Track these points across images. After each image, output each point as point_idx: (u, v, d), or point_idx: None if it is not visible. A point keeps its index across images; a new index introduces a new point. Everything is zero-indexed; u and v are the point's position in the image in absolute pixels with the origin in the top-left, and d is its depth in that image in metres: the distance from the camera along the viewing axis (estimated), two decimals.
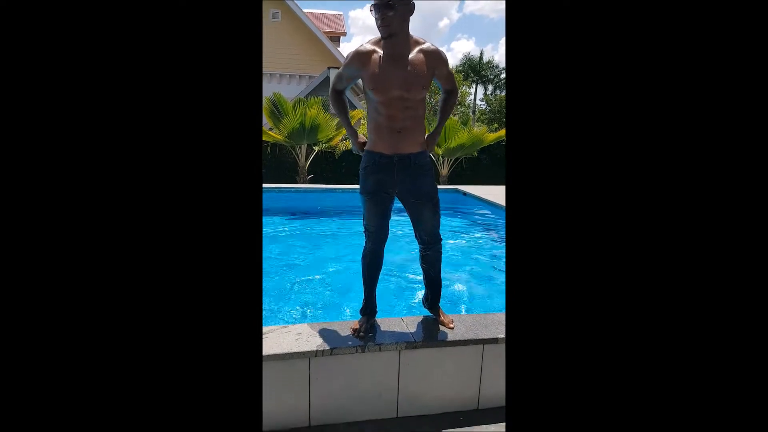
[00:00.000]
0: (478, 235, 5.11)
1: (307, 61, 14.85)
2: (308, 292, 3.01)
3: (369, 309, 1.90)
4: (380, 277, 1.92)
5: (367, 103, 1.76)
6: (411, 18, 1.65)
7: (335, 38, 18.54)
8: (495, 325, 1.92)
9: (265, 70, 13.56)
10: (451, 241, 4.51)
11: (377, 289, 1.94)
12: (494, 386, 1.85)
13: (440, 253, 1.93)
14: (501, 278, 3.34)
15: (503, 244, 4.30)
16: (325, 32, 16.08)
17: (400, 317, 2.01)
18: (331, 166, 9.43)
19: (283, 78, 14.90)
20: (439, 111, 1.95)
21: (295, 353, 1.64)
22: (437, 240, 1.89)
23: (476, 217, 5.93)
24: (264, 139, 8.13)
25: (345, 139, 8.98)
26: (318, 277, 3.31)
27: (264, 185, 6.28)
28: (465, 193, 6.98)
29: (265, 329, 1.78)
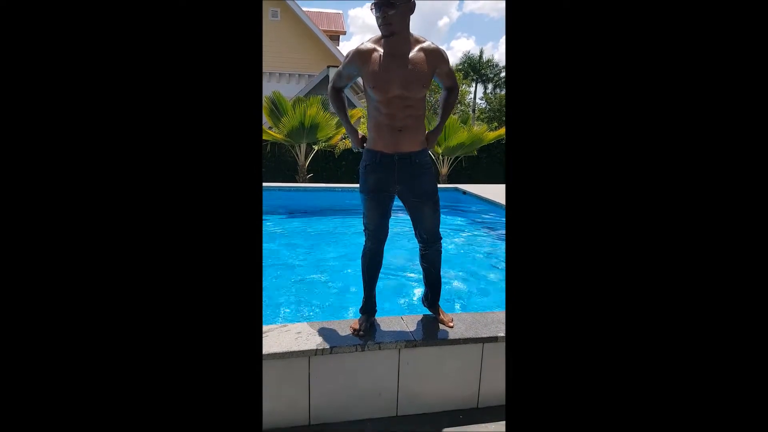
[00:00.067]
0: (478, 233, 5.11)
1: (307, 60, 14.84)
2: (308, 291, 3.02)
3: (369, 308, 1.90)
4: (380, 275, 1.92)
5: (368, 102, 1.76)
6: (411, 17, 1.65)
7: (335, 37, 18.52)
8: (495, 323, 1.92)
9: (264, 69, 13.54)
10: (451, 240, 4.51)
11: (377, 288, 1.94)
12: (494, 385, 1.85)
13: (440, 251, 1.93)
14: (501, 277, 3.35)
15: (503, 243, 4.30)
16: (324, 31, 16.06)
17: (400, 316, 2.02)
18: (331, 165, 9.43)
19: (283, 77, 14.88)
20: (440, 108, 1.95)
21: (294, 352, 1.64)
22: (437, 239, 1.89)
23: (476, 215, 5.93)
24: (264, 138, 8.12)
25: (344, 138, 8.98)
26: (317, 276, 3.32)
27: (264, 184, 6.28)
28: (465, 192, 6.98)
29: (264, 328, 1.78)
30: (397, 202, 1.86)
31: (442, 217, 1.89)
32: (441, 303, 2.00)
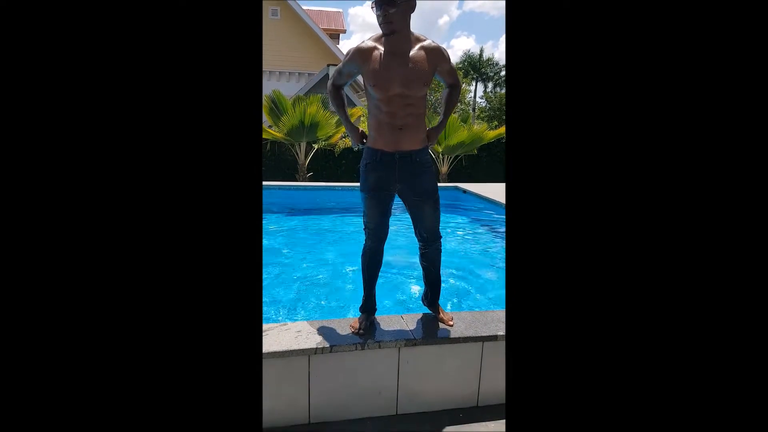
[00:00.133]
0: (478, 232, 5.11)
1: (307, 59, 14.83)
2: (308, 289, 3.02)
3: (369, 306, 1.90)
4: (380, 274, 1.92)
5: (368, 100, 1.76)
6: (411, 15, 1.64)
7: (335, 35, 18.50)
8: (494, 322, 1.92)
9: (264, 67, 13.53)
10: (451, 239, 4.52)
11: (377, 287, 1.94)
12: (494, 383, 1.85)
13: (440, 250, 1.93)
14: (501, 276, 3.35)
15: (503, 242, 4.30)
16: (324, 29, 16.04)
17: (400, 315, 2.02)
18: (331, 164, 9.43)
19: (283, 75, 14.88)
20: (443, 105, 1.95)
21: (294, 351, 1.64)
22: (437, 237, 1.89)
23: (476, 214, 5.93)
24: (263, 136, 8.12)
25: (344, 137, 8.98)
26: (317, 274, 3.32)
27: (264, 183, 6.28)
28: (465, 191, 6.98)
29: (264, 327, 1.78)
30: (398, 201, 1.86)
31: (442, 215, 1.89)
32: (441, 302, 2.00)
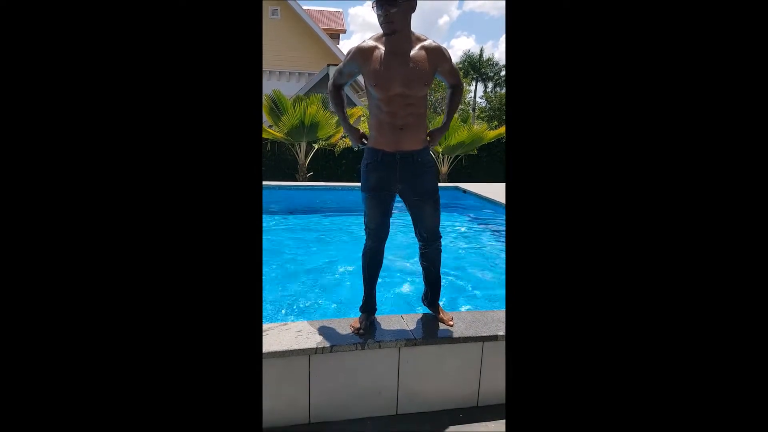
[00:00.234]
0: (478, 232, 5.11)
1: (307, 59, 14.83)
2: (308, 289, 3.02)
3: (369, 306, 1.90)
4: (380, 274, 1.92)
5: (369, 100, 1.75)
6: (412, 15, 1.64)
7: (335, 35, 18.50)
8: (495, 322, 1.92)
9: (264, 67, 13.53)
10: (451, 239, 4.52)
11: (377, 287, 1.94)
12: (494, 383, 1.85)
13: (440, 250, 1.93)
14: (501, 276, 3.35)
15: (503, 242, 4.30)
16: (324, 29, 16.04)
17: (400, 314, 2.02)
18: (331, 164, 9.43)
19: (283, 75, 14.88)
20: (446, 106, 1.95)
21: (295, 350, 1.64)
22: (437, 237, 1.89)
23: (476, 214, 5.93)
24: (264, 136, 8.12)
25: (345, 137, 8.98)
26: (318, 274, 3.32)
27: (264, 183, 6.28)
28: (465, 191, 6.99)
29: (264, 327, 1.78)
30: (398, 201, 1.86)
31: (442, 215, 1.89)
32: (441, 301, 2.00)
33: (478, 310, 2.07)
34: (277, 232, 4.66)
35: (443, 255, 1.96)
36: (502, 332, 1.83)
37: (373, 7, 1.61)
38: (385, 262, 1.92)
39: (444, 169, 9.10)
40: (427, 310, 2.01)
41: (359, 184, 1.83)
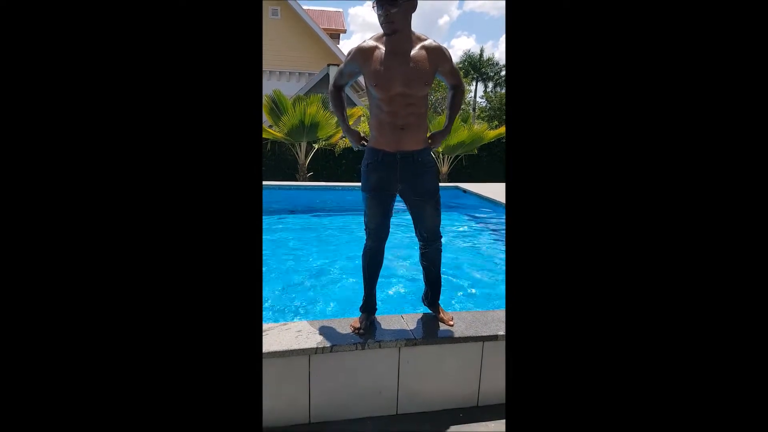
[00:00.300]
0: (478, 232, 5.11)
1: (307, 59, 14.82)
2: (308, 289, 3.02)
3: (369, 306, 1.90)
4: (380, 274, 1.92)
5: (369, 100, 1.75)
6: (412, 14, 1.64)
7: (335, 35, 18.50)
8: (495, 322, 1.92)
9: (264, 67, 13.53)
10: (451, 239, 4.52)
11: (377, 286, 1.94)
12: (494, 383, 1.85)
13: (440, 250, 1.93)
14: (501, 275, 3.35)
15: (503, 242, 4.30)
16: (324, 29, 16.03)
17: (400, 314, 2.02)
18: (331, 164, 9.43)
19: (283, 75, 14.88)
20: (447, 108, 1.94)
21: (295, 350, 1.64)
22: (437, 237, 1.89)
23: (476, 214, 5.93)
24: (264, 136, 8.12)
25: (345, 137, 8.97)
26: (318, 274, 3.32)
27: (264, 183, 6.28)
28: (465, 191, 6.99)
29: (265, 327, 1.78)
30: (398, 200, 1.86)
31: (442, 215, 1.89)
32: (441, 301, 2.00)
33: (478, 310, 2.07)
34: (277, 232, 4.66)
35: (443, 255, 1.96)
36: (502, 332, 1.83)
37: (373, 7, 1.61)
38: (385, 261, 1.92)
39: (444, 168, 9.10)
40: (428, 310, 2.01)
41: (359, 184, 1.82)
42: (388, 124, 1.69)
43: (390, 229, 1.86)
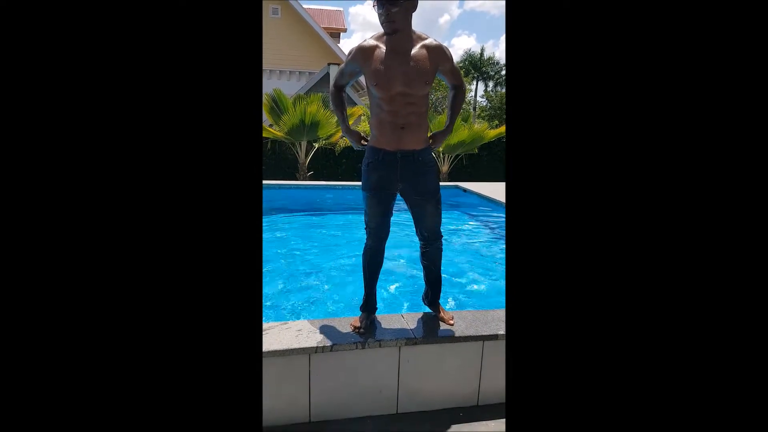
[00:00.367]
0: (478, 231, 5.11)
1: (307, 58, 14.82)
2: (308, 288, 3.02)
3: (369, 305, 1.90)
4: (380, 273, 1.92)
5: (370, 100, 1.75)
6: (413, 14, 1.64)
7: (335, 34, 18.49)
8: (495, 321, 1.92)
9: (264, 66, 13.53)
10: (452, 238, 4.52)
11: (377, 286, 1.94)
12: (494, 383, 1.85)
13: (441, 249, 1.93)
14: (501, 275, 3.35)
15: (503, 241, 4.30)
16: (325, 28, 16.03)
17: (400, 314, 2.02)
18: (331, 163, 9.42)
19: (283, 74, 14.87)
20: (448, 107, 1.94)
21: (295, 349, 1.65)
22: (438, 237, 1.89)
23: (476, 213, 5.93)
24: (264, 135, 8.12)
25: (345, 136, 8.97)
26: (318, 273, 3.32)
27: (264, 182, 6.29)
28: (465, 190, 6.99)
29: (265, 326, 1.78)
30: (399, 200, 1.86)
31: (443, 214, 1.89)
32: (441, 301, 2.00)
33: (479, 310, 2.07)
34: (277, 231, 4.66)
35: (444, 254, 1.96)
36: (502, 331, 1.83)
37: (374, 6, 1.61)
38: (385, 261, 1.92)
39: (445, 168, 9.10)
40: (428, 309, 2.01)
41: (360, 183, 1.82)
42: (388, 123, 1.69)
43: (390, 229, 1.86)
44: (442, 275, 1.99)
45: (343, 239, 4.42)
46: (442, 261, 1.96)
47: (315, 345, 1.67)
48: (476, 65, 28.86)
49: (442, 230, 1.90)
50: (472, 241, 4.62)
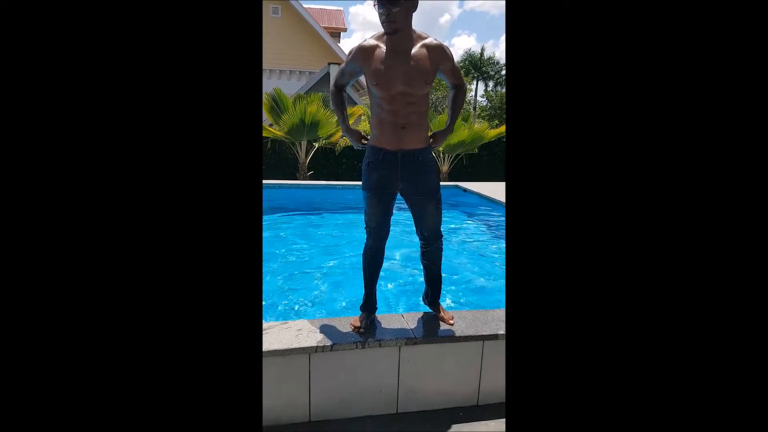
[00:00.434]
0: (478, 231, 5.11)
1: (307, 57, 14.81)
2: (308, 288, 3.02)
3: (369, 305, 1.90)
4: (380, 273, 1.92)
5: (370, 99, 1.75)
6: (413, 13, 1.64)
7: (335, 34, 18.48)
8: (495, 321, 1.92)
9: (265, 66, 13.53)
10: (452, 238, 4.51)
11: (377, 286, 1.94)
12: (494, 382, 1.85)
13: (441, 249, 1.93)
14: (501, 275, 3.35)
15: (503, 241, 4.30)
16: (325, 28, 16.03)
17: (400, 313, 2.02)
18: (331, 163, 9.42)
19: (283, 74, 14.87)
20: (448, 107, 1.94)
21: (295, 349, 1.65)
22: (438, 236, 1.89)
23: (476, 213, 5.93)
24: (264, 135, 8.12)
25: (345, 136, 8.96)
26: (318, 273, 3.32)
27: (264, 181, 6.28)
28: (465, 190, 6.99)
29: (265, 325, 1.78)
30: (399, 199, 1.86)
31: (443, 214, 1.89)
32: (441, 300, 2.00)
33: (479, 309, 2.07)
34: (277, 230, 4.66)
35: (444, 254, 1.96)
36: (502, 331, 1.83)
37: (374, 6, 1.61)
38: (385, 260, 1.92)
39: (445, 167, 9.10)
40: (428, 309, 2.01)
41: (360, 182, 1.82)
42: (389, 123, 1.69)
43: (390, 228, 1.86)
44: (442, 275, 1.99)
45: (343, 239, 4.42)
46: (443, 261, 1.96)
47: (315, 344, 1.67)
48: (476, 65, 28.86)
49: (442, 230, 1.90)
50: (472, 240, 4.62)
